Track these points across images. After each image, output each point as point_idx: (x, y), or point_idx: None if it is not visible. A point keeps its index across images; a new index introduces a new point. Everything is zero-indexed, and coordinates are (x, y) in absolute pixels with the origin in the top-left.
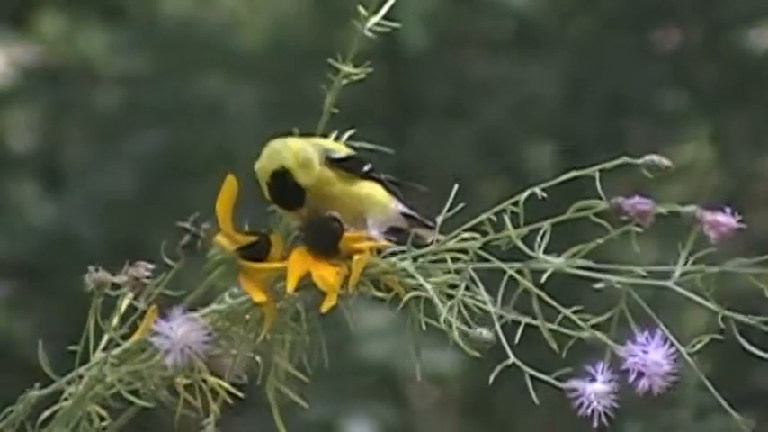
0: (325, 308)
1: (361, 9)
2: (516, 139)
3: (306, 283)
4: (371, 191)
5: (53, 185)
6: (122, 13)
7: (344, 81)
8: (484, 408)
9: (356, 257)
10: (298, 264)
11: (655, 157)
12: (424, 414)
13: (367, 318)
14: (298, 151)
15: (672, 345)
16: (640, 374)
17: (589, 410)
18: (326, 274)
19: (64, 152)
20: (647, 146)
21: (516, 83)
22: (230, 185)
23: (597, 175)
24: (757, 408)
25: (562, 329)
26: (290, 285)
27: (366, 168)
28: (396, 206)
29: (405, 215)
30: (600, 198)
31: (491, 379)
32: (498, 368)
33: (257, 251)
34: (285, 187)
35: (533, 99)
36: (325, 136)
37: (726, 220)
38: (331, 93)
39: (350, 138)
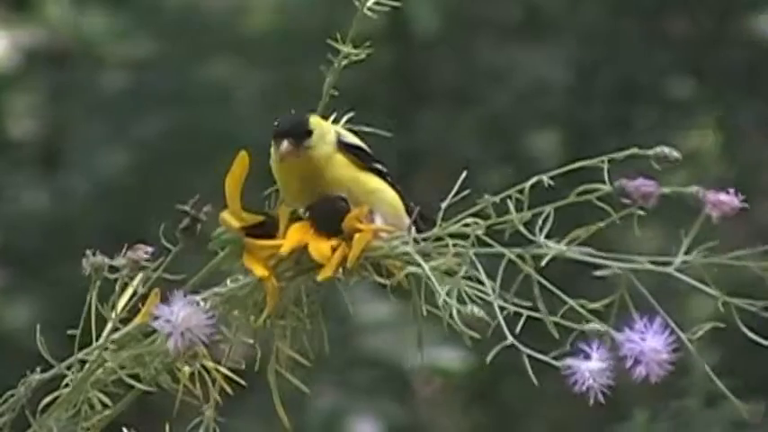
0: (321, 277)
1: None
2: (523, 127)
3: (307, 266)
4: (381, 187)
5: (53, 170)
6: None
7: (345, 62)
8: (488, 402)
9: (357, 235)
10: (296, 234)
11: (665, 149)
12: (429, 409)
13: (370, 311)
14: (319, 118)
15: (673, 332)
16: (637, 361)
17: (584, 388)
18: (322, 247)
19: (65, 137)
20: (654, 133)
21: (524, 69)
22: (242, 162)
23: (606, 165)
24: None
25: (563, 321)
26: (285, 249)
27: (379, 167)
28: (407, 221)
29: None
30: (604, 183)
31: (489, 358)
32: (497, 348)
33: (264, 231)
34: (296, 117)
35: (541, 86)
36: (324, 118)
37: (728, 199)
38: (331, 74)
39: (351, 121)
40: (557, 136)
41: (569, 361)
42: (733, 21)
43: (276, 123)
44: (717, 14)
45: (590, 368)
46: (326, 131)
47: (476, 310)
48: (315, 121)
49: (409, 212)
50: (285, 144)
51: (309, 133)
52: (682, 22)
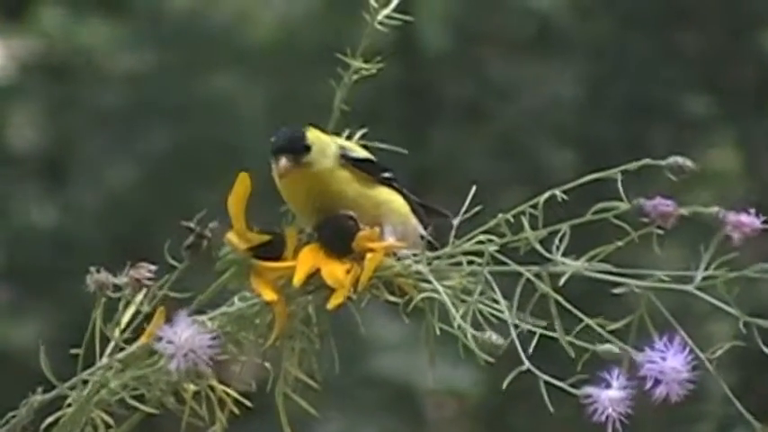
0: (332, 304)
1: (372, 1)
2: (536, 143)
3: (317, 285)
4: (390, 198)
5: (58, 185)
6: (125, 7)
7: (355, 77)
8: (500, 424)
9: (369, 256)
10: (307, 259)
11: (679, 159)
12: (440, 430)
13: (381, 331)
14: (317, 132)
15: (692, 351)
16: (657, 381)
17: (603, 417)
18: (336, 271)
19: (66, 151)
20: (670, 151)
21: (536, 85)
22: (243, 182)
23: (619, 176)
24: None
25: (579, 341)
26: (297, 279)
27: (387, 175)
28: (417, 225)
29: (421, 237)
30: (621, 200)
31: (505, 384)
32: (513, 374)
33: (271, 251)
34: (293, 133)
35: (554, 102)
36: (336, 135)
37: (749, 220)
38: (341, 89)
39: (364, 138)
40: (571, 155)
41: (589, 389)
42: (746, 36)
43: (273, 139)
44: (729, 30)
45: (609, 396)
46: (327, 145)
47: (494, 337)
48: (313, 135)
49: (420, 217)
50: (283, 160)
51: (308, 148)
52: (694, 37)
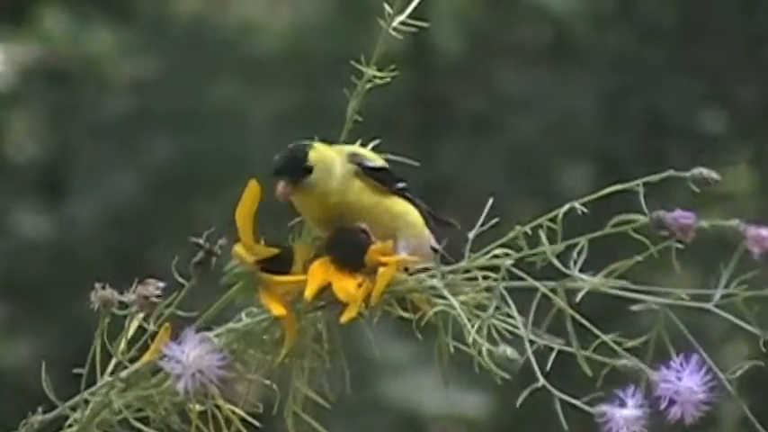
0: (344, 318)
1: (387, 7)
2: (550, 157)
3: (328, 301)
4: (406, 209)
5: (54, 197)
6: (130, 12)
7: (368, 85)
8: None
9: (381, 270)
10: (318, 273)
11: (704, 171)
12: None
13: (387, 353)
14: (323, 149)
15: (710, 371)
16: (672, 402)
17: None
18: (348, 285)
19: (66, 162)
20: (687, 167)
21: (551, 97)
22: (252, 192)
23: (641, 189)
24: None
25: (597, 356)
26: (309, 293)
27: (400, 186)
28: (430, 238)
29: (434, 249)
30: (642, 213)
31: (519, 401)
32: (527, 391)
33: (279, 265)
34: (294, 154)
35: (569, 115)
36: (349, 143)
37: None
38: (354, 98)
39: (375, 149)
40: (587, 171)
41: (604, 407)
42: (764, 52)
43: (275, 159)
44: (748, 44)
45: (624, 416)
46: (333, 163)
47: (509, 351)
48: (317, 154)
49: (433, 229)
50: (281, 185)
51: (308, 170)
52: (712, 51)
